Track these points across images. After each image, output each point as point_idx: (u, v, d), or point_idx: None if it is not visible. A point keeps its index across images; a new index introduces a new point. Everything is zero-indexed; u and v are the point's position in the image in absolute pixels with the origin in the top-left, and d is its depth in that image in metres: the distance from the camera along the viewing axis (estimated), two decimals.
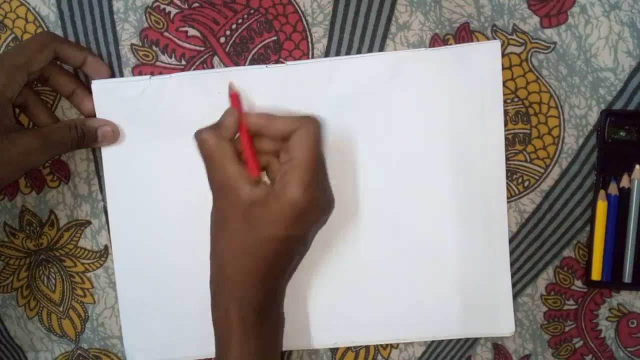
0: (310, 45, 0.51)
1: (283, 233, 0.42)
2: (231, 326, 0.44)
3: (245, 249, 0.43)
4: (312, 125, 0.42)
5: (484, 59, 0.49)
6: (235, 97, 0.46)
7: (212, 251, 0.45)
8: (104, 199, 0.53)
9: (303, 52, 0.51)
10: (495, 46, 0.49)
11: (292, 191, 0.41)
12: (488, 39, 0.50)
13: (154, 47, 0.52)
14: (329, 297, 0.52)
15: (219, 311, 0.46)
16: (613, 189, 0.50)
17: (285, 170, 0.41)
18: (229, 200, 0.43)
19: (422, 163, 0.50)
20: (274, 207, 0.41)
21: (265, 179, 0.46)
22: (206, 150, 0.43)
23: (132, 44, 0.52)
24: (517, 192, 0.51)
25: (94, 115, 0.51)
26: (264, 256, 0.43)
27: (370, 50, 0.51)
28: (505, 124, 0.50)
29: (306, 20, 0.51)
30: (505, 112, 0.50)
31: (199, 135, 0.44)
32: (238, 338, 0.44)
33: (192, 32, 0.51)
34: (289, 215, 0.41)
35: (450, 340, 0.53)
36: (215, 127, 0.44)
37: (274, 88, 0.50)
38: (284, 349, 0.53)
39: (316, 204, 0.42)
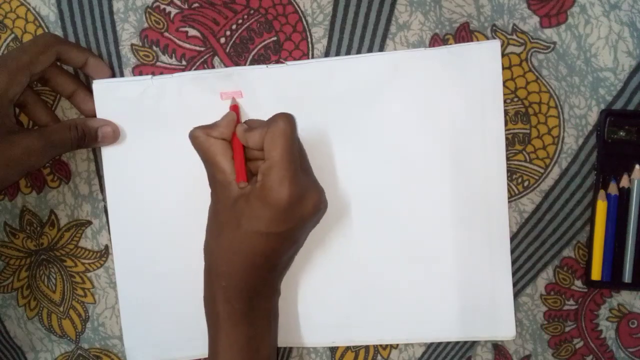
0: (310, 45, 0.51)
1: (265, 230, 0.43)
2: (218, 314, 0.46)
3: (231, 242, 0.45)
4: (278, 125, 0.43)
5: (484, 59, 0.49)
6: (235, 108, 0.49)
7: (205, 241, 0.47)
8: (104, 199, 0.53)
9: (303, 52, 0.51)
10: (495, 46, 0.49)
11: (270, 191, 0.43)
12: (488, 38, 0.50)
13: (154, 48, 0.52)
14: (327, 296, 0.52)
15: (208, 299, 0.47)
16: (613, 189, 0.50)
17: (262, 171, 0.43)
18: (220, 194, 0.46)
19: (422, 163, 0.50)
20: (256, 204, 0.43)
21: None
22: (197, 146, 0.47)
23: (132, 44, 0.52)
24: (516, 192, 0.51)
25: (95, 116, 0.51)
26: (248, 250, 0.44)
27: (370, 50, 0.51)
28: (505, 124, 0.50)
29: (306, 21, 0.51)
30: (505, 112, 0.50)
31: (191, 132, 0.47)
32: (225, 326, 0.46)
33: (192, 32, 0.51)
34: (270, 213, 0.43)
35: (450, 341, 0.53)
36: (208, 126, 0.47)
37: (274, 88, 0.50)
38: (282, 345, 0.53)
39: (298, 200, 0.44)
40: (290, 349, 0.54)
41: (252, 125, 0.47)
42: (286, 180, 0.43)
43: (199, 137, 0.46)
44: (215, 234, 0.46)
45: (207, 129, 0.47)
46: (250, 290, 0.46)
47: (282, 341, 0.52)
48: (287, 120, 0.44)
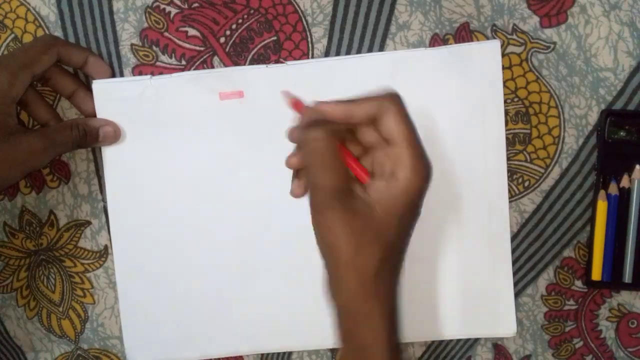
0: (310, 45, 0.51)
1: (400, 215, 0.39)
2: (364, 312, 0.41)
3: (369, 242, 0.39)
4: (398, 102, 0.38)
5: (483, 59, 0.49)
6: (298, 103, 0.41)
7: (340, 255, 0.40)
8: (104, 199, 0.53)
9: (303, 52, 0.51)
10: (495, 46, 0.49)
11: (410, 175, 0.38)
12: (488, 38, 0.50)
13: (154, 47, 0.52)
14: None
15: (352, 298, 0.41)
16: (613, 189, 0.50)
17: (394, 159, 0.39)
18: (343, 204, 0.39)
19: None
20: (390, 195, 0.39)
21: None
22: (317, 150, 0.39)
23: (132, 44, 0.52)
24: (517, 192, 0.51)
25: (95, 115, 0.51)
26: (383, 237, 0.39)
27: (370, 50, 0.51)
28: (506, 124, 0.50)
29: (306, 21, 0.51)
30: (506, 112, 0.50)
31: (309, 135, 0.39)
32: (369, 320, 0.41)
33: (192, 32, 0.51)
34: (410, 199, 0.39)
35: (450, 340, 0.53)
36: (322, 124, 0.39)
37: (274, 88, 0.50)
38: (283, 350, 0.53)
39: (429, 176, 0.40)
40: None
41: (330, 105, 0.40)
42: (422, 159, 0.39)
43: (320, 139, 0.38)
44: (345, 246, 0.39)
45: (325, 127, 0.39)
46: (387, 276, 0.41)
47: (284, 345, 0.52)
48: (400, 98, 0.39)
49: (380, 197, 0.39)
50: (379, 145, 0.40)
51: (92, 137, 0.49)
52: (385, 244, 0.40)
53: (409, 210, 0.40)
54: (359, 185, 0.40)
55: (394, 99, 0.39)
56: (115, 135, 0.50)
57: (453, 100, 0.50)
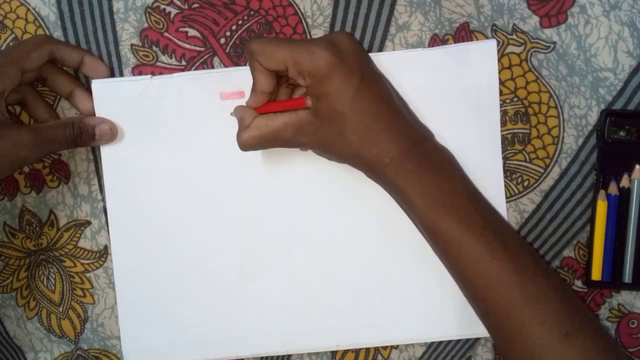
0: None
1: (354, 90, 0.45)
2: (405, 190, 0.46)
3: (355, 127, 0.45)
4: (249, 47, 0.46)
5: (480, 59, 0.49)
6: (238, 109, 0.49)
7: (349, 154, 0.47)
8: (103, 199, 0.53)
9: None
10: (491, 45, 0.49)
11: (321, 70, 0.44)
12: (488, 38, 0.50)
13: (154, 48, 0.52)
14: (330, 299, 0.52)
15: (396, 189, 0.47)
16: (613, 188, 0.50)
17: (303, 72, 0.45)
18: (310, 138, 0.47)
19: None
20: (328, 98, 0.45)
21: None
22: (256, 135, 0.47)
23: (132, 44, 0.52)
24: (516, 191, 0.51)
25: (94, 115, 0.51)
26: (372, 113, 0.45)
27: (369, 51, 0.51)
28: (505, 124, 0.50)
29: (306, 22, 0.51)
30: (505, 112, 0.50)
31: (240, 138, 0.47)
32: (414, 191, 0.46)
33: (192, 32, 0.51)
34: (340, 78, 0.44)
35: (450, 340, 0.52)
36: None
37: None
38: (284, 353, 0.52)
39: (333, 48, 0.45)
40: None
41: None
42: (310, 52, 0.44)
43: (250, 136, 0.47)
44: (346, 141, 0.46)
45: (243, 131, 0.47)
46: (408, 141, 0.46)
47: (285, 348, 0.52)
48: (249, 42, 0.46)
49: (319, 94, 0.45)
50: (298, 79, 0.46)
51: (87, 135, 0.49)
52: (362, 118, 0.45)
53: (349, 76, 0.44)
54: (308, 113, 0.46)
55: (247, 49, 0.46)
56: (112, 133, 0.50)
57: (449, 99, 0.50)
